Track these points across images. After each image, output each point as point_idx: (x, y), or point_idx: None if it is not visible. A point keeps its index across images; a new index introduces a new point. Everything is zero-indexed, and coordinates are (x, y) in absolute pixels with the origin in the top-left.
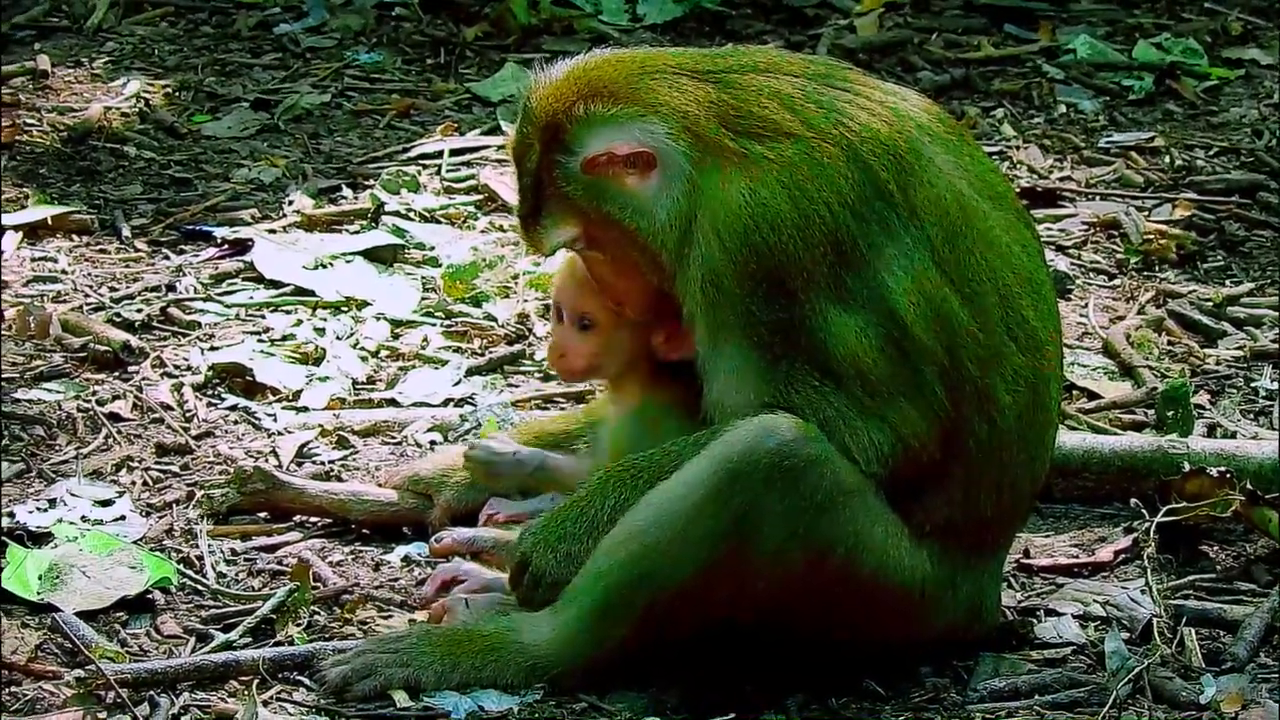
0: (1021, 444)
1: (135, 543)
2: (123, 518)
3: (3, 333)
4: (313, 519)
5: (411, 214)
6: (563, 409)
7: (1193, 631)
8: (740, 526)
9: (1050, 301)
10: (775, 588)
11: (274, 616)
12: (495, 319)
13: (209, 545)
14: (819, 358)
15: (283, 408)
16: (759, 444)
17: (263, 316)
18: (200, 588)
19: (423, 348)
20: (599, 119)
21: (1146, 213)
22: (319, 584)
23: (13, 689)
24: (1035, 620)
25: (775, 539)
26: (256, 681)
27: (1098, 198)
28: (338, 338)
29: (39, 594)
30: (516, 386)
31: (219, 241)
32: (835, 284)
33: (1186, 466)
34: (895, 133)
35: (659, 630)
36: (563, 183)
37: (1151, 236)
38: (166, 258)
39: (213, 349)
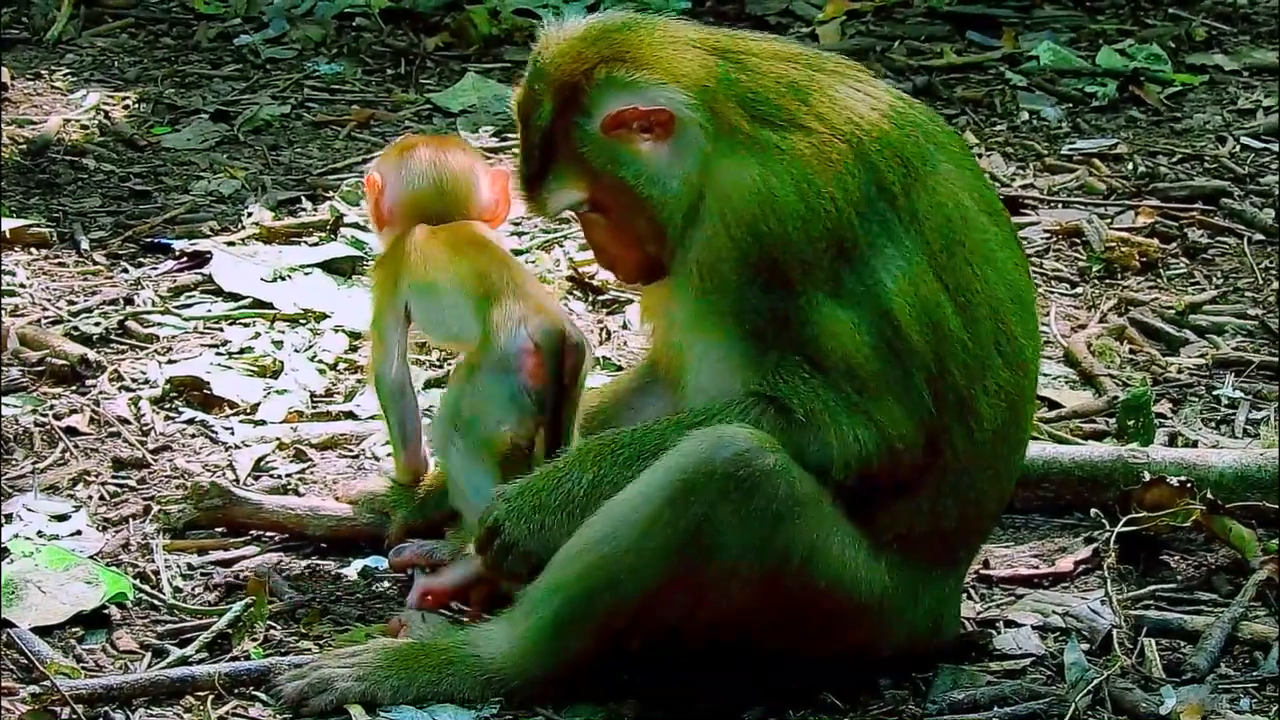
0: (994, 459)
1: (91, 558)
2: (79, 532)
3: None
4: (270, 533)
5: (370, 226)
6: None
7: (1153, 642)
8: (696, 538)
9: (1034, 320)
10: (732, 599)
11: (230, 631)
12: None
13: (165, 560)
14: (810, 350)
15: (240, 421)
16: (714, 455)
17: (221, 329)
18: (156, 603)
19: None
20: (620, 83)
21: (1109, 220)
22: (275, 598)
23: None
24: (995, 631)
25: (731, 550)
26: (212, 697)
27: (1060, 205)
28: (296, 350)
29: None
30: None
31: (177, 254)
32: (833, 279)
33: (1147, 476)
34: (904, 136)
35: (616, 642)
36: (578, 144)
37: (1114, 244)
38: (125, 271)
39: (170, 362)
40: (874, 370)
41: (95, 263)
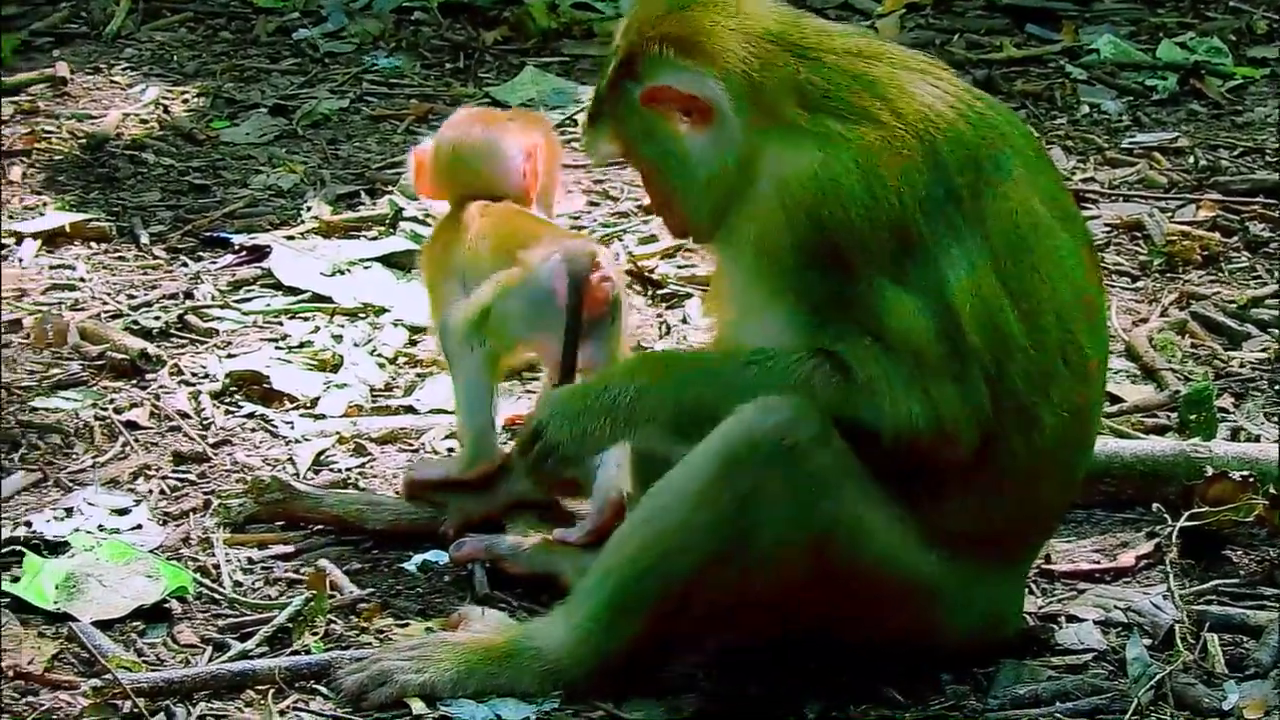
0: (1056, 467)
1: (152, 551)
2: (139, 526)
3: (20, 341)
4: (330, 527)
5: (430, 220)
6: None
7: (1215, 637)
8: (741, 510)
9: (1104, 329)
10: (780, 574)
11: (291, 625)
12: None
13: (226, 554)
14: (872, 325)
15: (300, 415)
16: (758, 424)
17: (280, 324)
18: (217, 597)
19: (440, 354)
20: (669, 63)
21: (1170, 214)
22: (336, 592)
23: (29, 699)
24: (1056, 626)
25: (777, 522)
26: (273, 691)
27: (1121, 199)
28: (355, 345)
29: (55, 603)
30: (534, 394)
31: (237, 248)
32: (896, 267)
33: (1209, 471)
34: (979, 138)
35: (672, 625)
36: (622, 106)
37: (1175, 238)
38: (184, 265)
39: (230, 356)
40: (935, 353)
41: (155, 257)
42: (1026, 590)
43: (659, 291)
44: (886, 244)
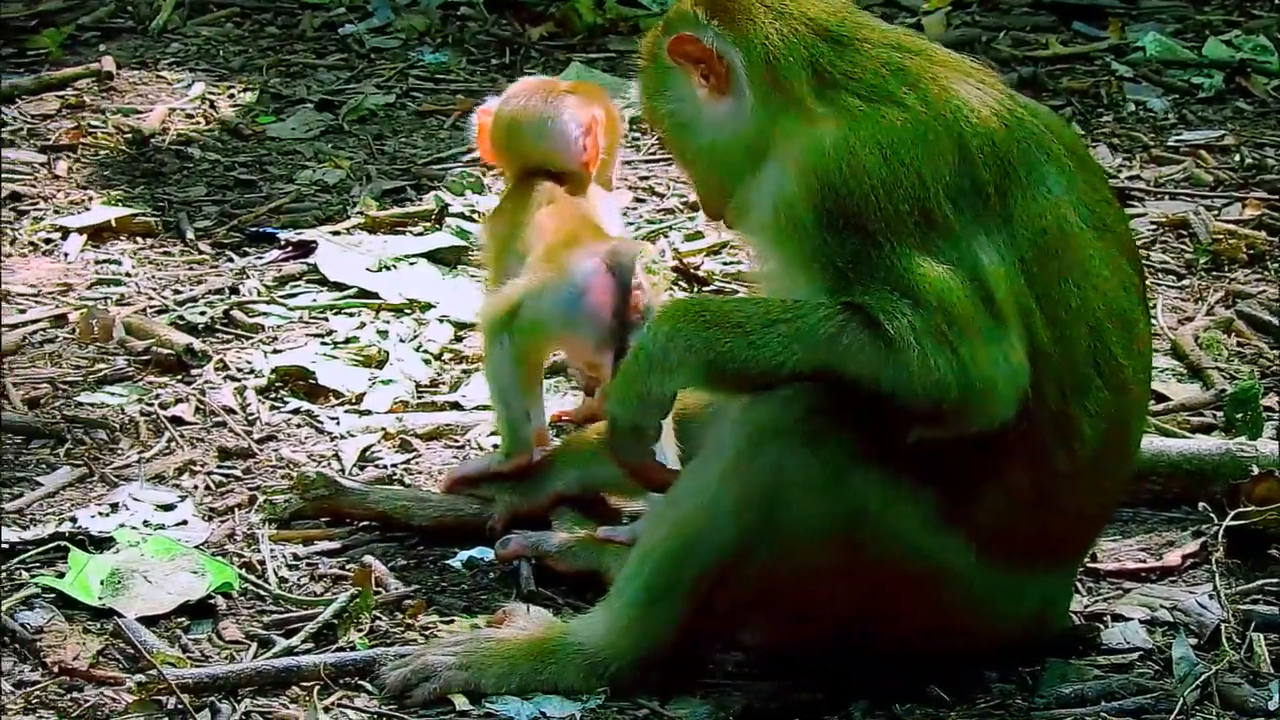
0: (1097, 476)
1: (197, 547)
2: (185, 522)
3: (66, 336)
4: (375, 523)
5: (476, 216)
6: None
7: (1261, 637)
8: (769, 487)
9: (1144, 343)
10: (811, 556)
11: (336, 622)
12: None
13: (271, 550)
14: (899, 284)
15: (345, 411)
16: (782, 407)
17: (326, 319)
18: (262, 593)
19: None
20: (696, 20)
21: (1216, 212)
22: (381, 589)
23: (74, 695)
24: (1102, 625)
25: (805, 499)
26: (318, 687)
27: (1167, 197)
28: (401, 340)
29: (100, 599)
30: (580, 390)
31: (283, 244)
32: (921, 239)
33: (1255, 470)
34: (1012, 140)
35: (708, 612)
36: (650, 59)
37: (1221, 236)
38: (230, 260)
39: (276, 352)
40: (964, 312)
41: (200, 252)
42: (1073, 590)
43: (704, 288)
44: (908, 217)
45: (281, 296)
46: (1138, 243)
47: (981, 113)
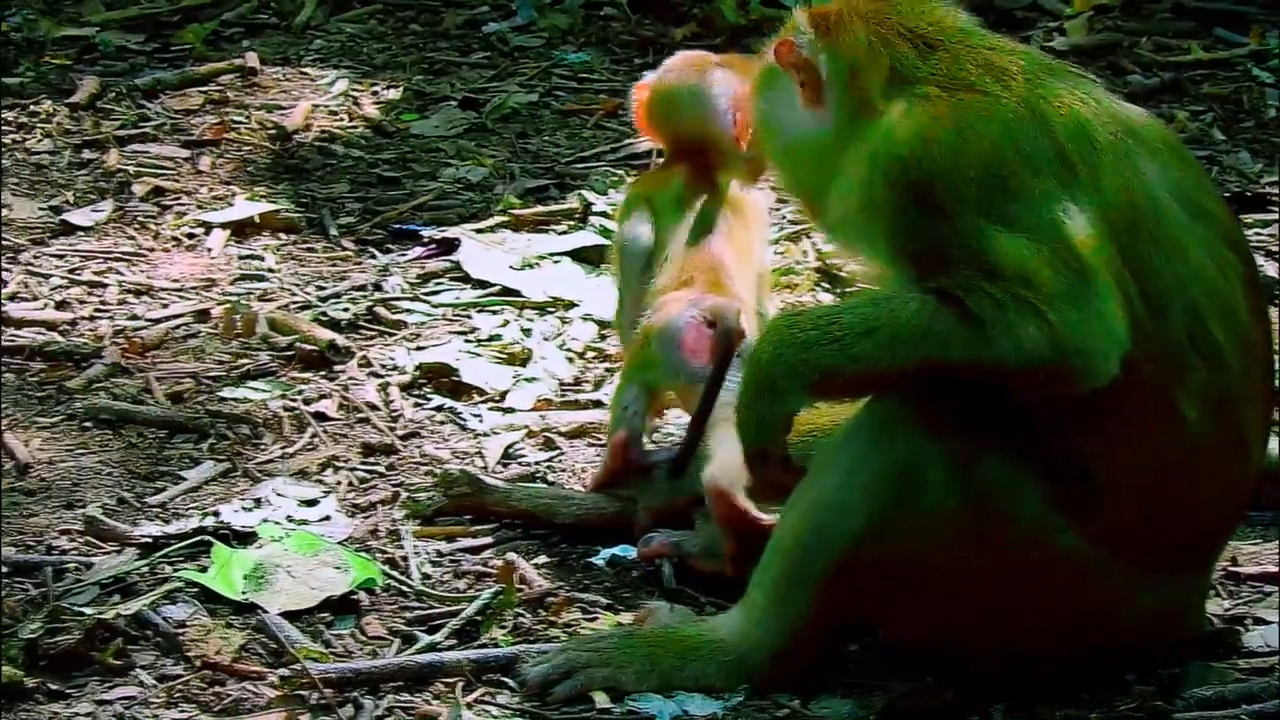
0: (1209, 468)
1: (340, 543)
2: (328, 518)
3: (209, 331)
4: (518, 521)
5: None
6: None
7: None
8: (898, 472)
9: (1243, 329)
10: (940, 545)
11: (479, 619)
12: None
13: (414, 546)
14: (976, 261)
15: (489, 408)
16: (904, 401)
17: (469, 316)
18: (405, 589)
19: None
20: (798, 27)
21: None
22: (524, 586)
23: (217, 689)
24: (1243, 629)
25: (937, 479)
26: (460, 683)
27: None
28: (544, 338)
29: (244, 594)
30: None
31: (426, 241)
32: (998, 210)
33: None
34: (1099, 124)
35: (842, 602)
36: (763, 61)
37: None
38: (373, 256)
39: (419, 349)
40: (1046, 277)
41: (344, 248)
42: (1213, 593)
43: (846, 290)
44: (978, 183)
45: (425, 293)
46: (1277, 248)
47: (1069, 99)
